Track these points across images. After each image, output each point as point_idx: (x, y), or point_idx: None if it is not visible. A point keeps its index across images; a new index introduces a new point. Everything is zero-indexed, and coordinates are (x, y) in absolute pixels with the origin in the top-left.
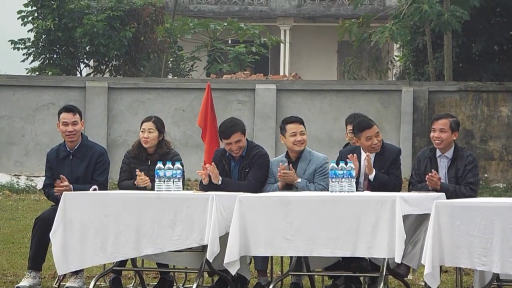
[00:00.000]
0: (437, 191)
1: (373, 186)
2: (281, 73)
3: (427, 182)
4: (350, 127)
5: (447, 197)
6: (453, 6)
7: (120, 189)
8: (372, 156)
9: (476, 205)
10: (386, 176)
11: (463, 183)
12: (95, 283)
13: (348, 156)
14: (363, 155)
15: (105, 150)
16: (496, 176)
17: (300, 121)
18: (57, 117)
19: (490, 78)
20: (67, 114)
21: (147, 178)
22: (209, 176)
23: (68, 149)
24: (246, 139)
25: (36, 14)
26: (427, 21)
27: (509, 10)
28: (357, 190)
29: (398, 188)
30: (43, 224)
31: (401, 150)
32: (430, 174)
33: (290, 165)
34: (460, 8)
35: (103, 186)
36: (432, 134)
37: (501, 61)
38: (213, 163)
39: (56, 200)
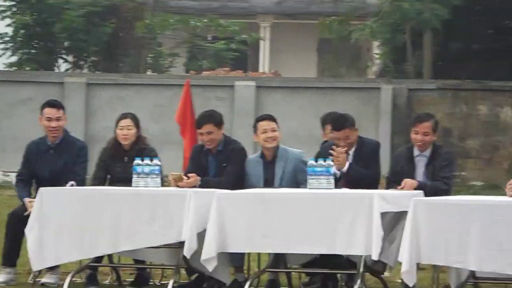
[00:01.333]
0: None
1: (348, 178)
2: (261, 70)
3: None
4: (329, 127)
5: (425, 193)
6: (433, 5)
7: (93, 185)
8: (352, 151)
9: (454, 203)
10: (362, 169)
11: (437, 177)
12: (70, 279)
13: (333, 147)
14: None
15: (86, 145)
16: (474, 174)
17: (271, 118)
18: (40, 111)
19: (469, 76)
20: (51, 109)
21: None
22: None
23: (49, 144)
24: (224, 134)
25: (14, 9)
26: (407, 19)
27: (488, 9)
28: (337, 185)
29: (375, 182)
30: (17, 219)
31: (379, 144)
32: (400, 186)
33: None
34: (440, 7)
35: (81, 182)
36: (414, 136)
37: (480, 59)
38: (188, 176)
39: (21, 200)
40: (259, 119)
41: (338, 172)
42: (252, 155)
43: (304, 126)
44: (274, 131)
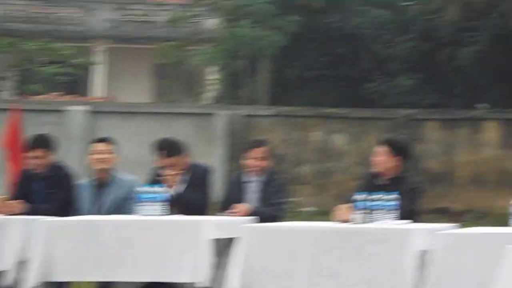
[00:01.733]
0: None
1: (179, 202)
2: (97, 95)
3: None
4: (160, 153)
5: (258, 220)
6: (269, 31)
7: None
8: (184, 177)
9: (283, 229)
10: (192, 193)
11: (269, 203)
12: None
13: (164, 172)
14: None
15: None
16: (307, 200)
17: (105, 140)
18: None
19: (304, 103)
20: None
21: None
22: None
23: None
24: (54, 159)
25: None
26: (243, 46)
27: (322, 37)
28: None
29: (205, 207)
30: None
31: (209, 168)
32: (231, 211)
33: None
34: (277, 33)
35: None
36: (251, 161)
37: (314, 86)
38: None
39: None
40: (93, 141)
41: (170, 194)
42: (86, 180)
43: (138, 151)
44: (104, 153)
